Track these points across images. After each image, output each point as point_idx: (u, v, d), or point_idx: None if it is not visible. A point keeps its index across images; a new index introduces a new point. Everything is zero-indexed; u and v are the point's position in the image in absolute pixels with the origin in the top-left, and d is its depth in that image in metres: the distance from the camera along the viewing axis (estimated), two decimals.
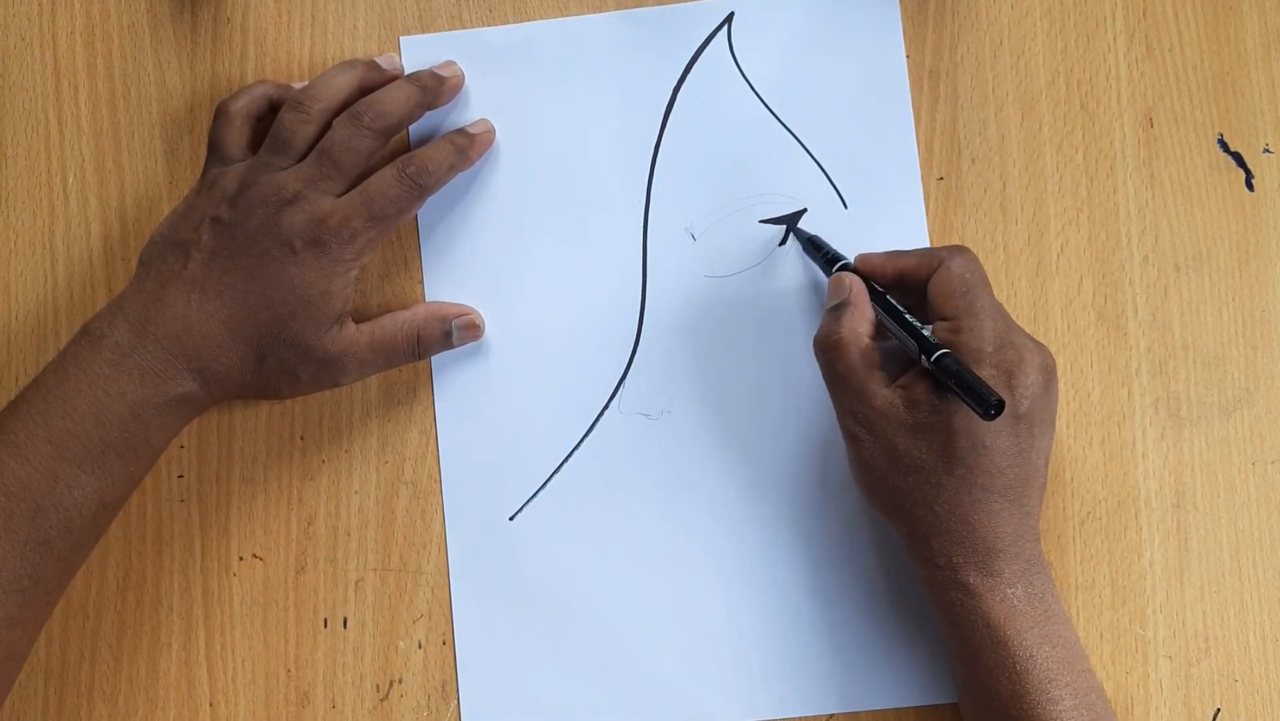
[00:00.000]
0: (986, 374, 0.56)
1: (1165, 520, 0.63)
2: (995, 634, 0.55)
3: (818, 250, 0.63)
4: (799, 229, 0.64)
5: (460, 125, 0.64)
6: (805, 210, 0.64)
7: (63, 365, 0.58)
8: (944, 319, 0.57)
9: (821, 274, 0.63)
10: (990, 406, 0.53)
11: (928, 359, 0.56)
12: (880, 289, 0.59)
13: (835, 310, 0.59)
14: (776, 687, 0.62)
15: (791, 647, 0.62)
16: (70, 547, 0.57)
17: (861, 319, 0.58)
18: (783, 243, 0.64)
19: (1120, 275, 0.64)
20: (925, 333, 0.57)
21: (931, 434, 0.56)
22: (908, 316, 0.58)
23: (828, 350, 0.58)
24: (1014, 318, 0.58)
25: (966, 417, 0.55)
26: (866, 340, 0.58)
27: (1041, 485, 0.57)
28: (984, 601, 0.55)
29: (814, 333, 0.59)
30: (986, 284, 0.58)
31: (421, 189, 0.61)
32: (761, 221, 0.64)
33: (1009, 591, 0.55)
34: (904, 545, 0.58)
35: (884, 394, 0.57)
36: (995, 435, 0.55)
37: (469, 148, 0.63)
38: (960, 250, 0.59)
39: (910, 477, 0.56)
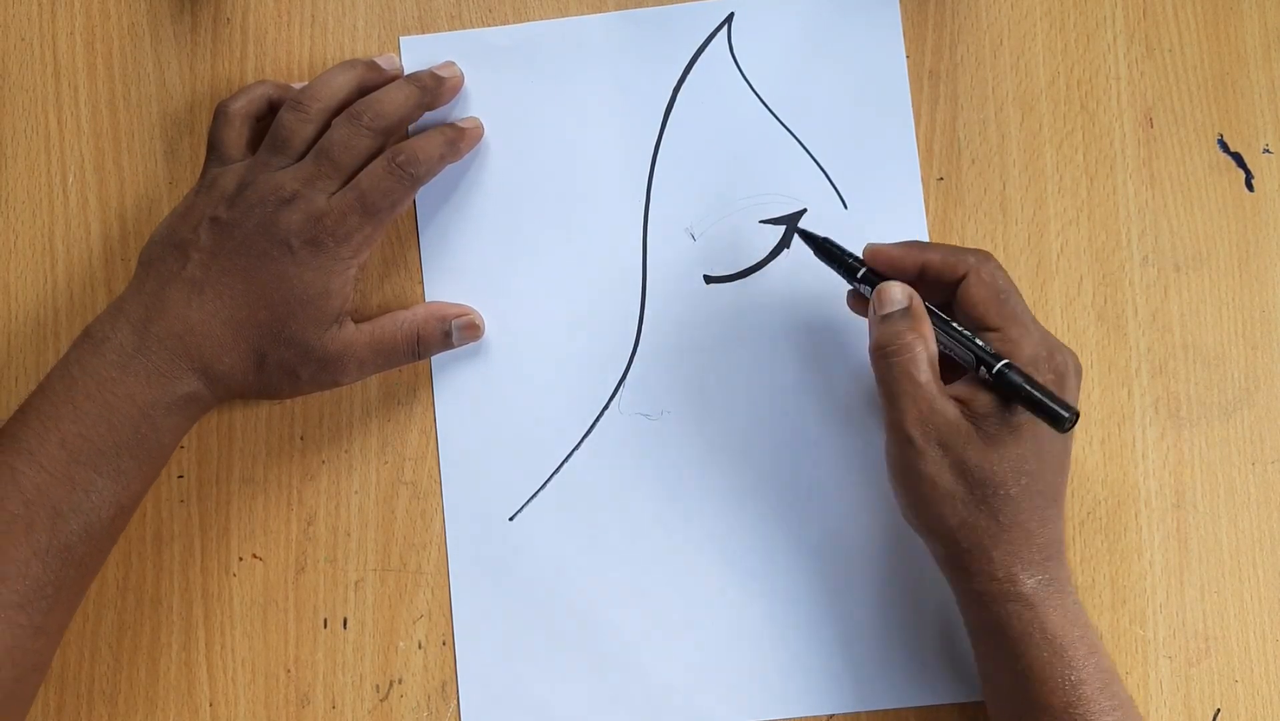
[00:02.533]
0: (1046, 381, 0.55)
1: (1165, 520, 0.63)
2: (1052, 643, 0.54)
3: (830, 255, 0.59)
4: (808, 231, 0.60)
5: None
6: (805, 210, 0.64)
7: (68, 370, 0.58)
8: (986, 328, 0.56)
9: (834, 272, 0.60)
10: (1065, 420, 0.52)
11: (989, 371, 0.54)
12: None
13: (896, 316, 0.56)
14: (776, 688, 0.62)
15: (791, 648, 0.62)
16: (90, 552, 0.57)
17: (927, 326, 0.56)
18: (784, 244, 0.64)
19: (1120, 275, 0.64)
20: (979, 343, 0.55)
21: (1002, 446, 0.54)
22: (956, 326, 0.56)
23: (899, 354, 0.55)
24: None
25: (1033, 426, 0.54)
26: (935, 347, 0.56)
27: None
28: (1040, 610, 0.54)
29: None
30: (1018, 289, 0.57)
31: (412, 179, 0.60)
32: (761, 221, 0.64)
33: (1062, 600, 0.55)
34: (954, 561, 0.56)
35: (951, 406, 0.55)
36: (1051, 441, 0.55)
37: (459, 140, 0.63)
38: (989, 256, 0.57)
39: (978, 490, 0.54)
